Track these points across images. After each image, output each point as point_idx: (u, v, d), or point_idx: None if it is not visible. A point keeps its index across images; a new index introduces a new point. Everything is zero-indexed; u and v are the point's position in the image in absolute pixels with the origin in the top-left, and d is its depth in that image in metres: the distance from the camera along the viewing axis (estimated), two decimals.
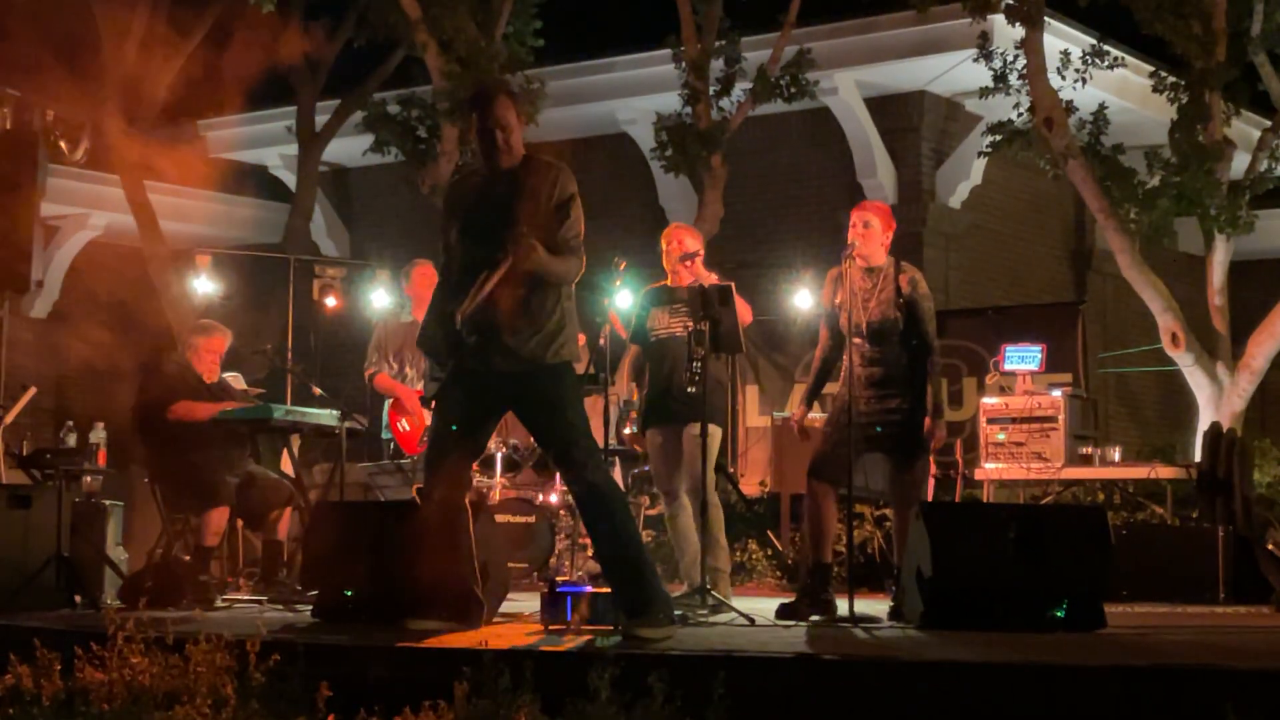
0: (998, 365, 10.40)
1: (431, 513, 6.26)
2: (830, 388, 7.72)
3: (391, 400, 9.24)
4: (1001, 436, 10.02)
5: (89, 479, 10.12)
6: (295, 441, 9.79)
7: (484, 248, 6.09)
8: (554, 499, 10.19)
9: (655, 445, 8.02)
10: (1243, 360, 12.22)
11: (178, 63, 15.12)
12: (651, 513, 10.73)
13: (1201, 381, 12.33)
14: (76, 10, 14.05)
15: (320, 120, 15.76)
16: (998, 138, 12.46)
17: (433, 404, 6.43)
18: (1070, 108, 12.10)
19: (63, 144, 16.31)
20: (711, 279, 7.80)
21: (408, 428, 9.00)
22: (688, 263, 7.87)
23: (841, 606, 7.04)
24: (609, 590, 6.25)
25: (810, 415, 7.66)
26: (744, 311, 7.91)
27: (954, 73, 13.45)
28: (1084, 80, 12.21)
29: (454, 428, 6.25)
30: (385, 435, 9.31)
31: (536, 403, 6.22)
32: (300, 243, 15.54)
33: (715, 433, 7.92)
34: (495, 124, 6.14)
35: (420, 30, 13.05)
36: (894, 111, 14.30)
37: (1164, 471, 10.04)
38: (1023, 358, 10.27)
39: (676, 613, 7.07)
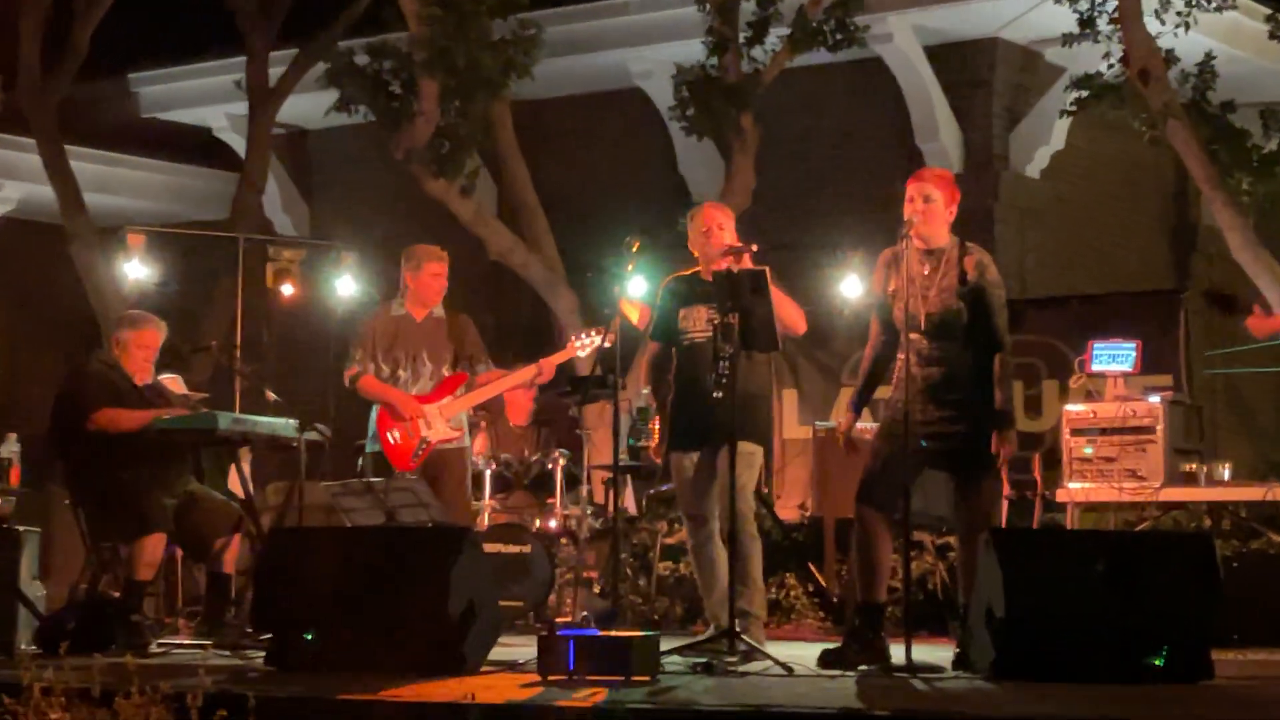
0: (1083, 365, 10.40)
1: None
2: (883, 392, 7.72)
3: (380, 406, 9.19)
4: (1088, 451, 10.01)
5: None
6: (245, 456, 9.80)
7: None
8: (552, 524, 10.19)
9: (684, 466, 8.01)
10: None
11: (106, 4, 15.16)
12: (670, 541, 10.74)
13: None
14: None
15: (275, 73, 15.77)
16: (1084, 93, 12.43)
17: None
18: (1171, 58, 12.07)
19: None
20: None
21: (399, 439, 8.97)
22: (732, 258, 7.77)
23: (897, 653, 7.06)
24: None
25: (858, 425, 7.66)
26: (796, 318, 7.88)
27: (1031, 16, 13.44)
28: (1187, 25, 12.17)
29: None
30: (372, 447, 9.24)
31: None
32: (251, 219, 15.57)
33: (756, 452, 7.90)
34: None
35: None
36: (959, 62, 14.30)
37: None
38: (1114, 356, 10.27)
39: (701, 660, 7.09)
